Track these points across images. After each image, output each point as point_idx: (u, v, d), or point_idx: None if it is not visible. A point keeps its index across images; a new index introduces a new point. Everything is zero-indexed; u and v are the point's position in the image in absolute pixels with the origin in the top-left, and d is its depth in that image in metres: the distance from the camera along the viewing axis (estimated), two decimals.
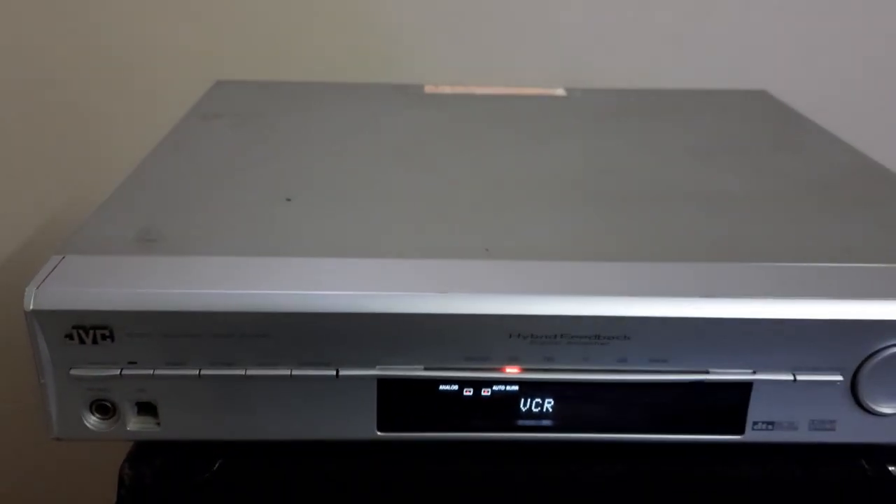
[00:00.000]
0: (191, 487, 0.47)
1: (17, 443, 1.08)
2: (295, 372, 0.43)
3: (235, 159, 0.60)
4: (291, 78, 0.88)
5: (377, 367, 0.44)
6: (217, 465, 0.47)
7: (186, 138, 0.64)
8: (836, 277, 0.44)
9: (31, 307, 0.41)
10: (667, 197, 0.54)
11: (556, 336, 0.43)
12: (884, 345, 0.43)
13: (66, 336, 0.42)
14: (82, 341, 0.42)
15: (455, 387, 0.45)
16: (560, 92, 0.79)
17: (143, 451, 0.48)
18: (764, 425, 0.45)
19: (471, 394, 0.45)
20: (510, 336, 0.43)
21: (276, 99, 0.75)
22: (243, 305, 0.42)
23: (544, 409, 0.45)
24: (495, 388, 0.45)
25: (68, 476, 1.08)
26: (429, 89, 0.79)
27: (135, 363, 0.43)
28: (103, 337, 0.42)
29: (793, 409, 0.44)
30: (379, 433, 0.45)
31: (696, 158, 0.62)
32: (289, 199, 0.53)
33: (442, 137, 0.66)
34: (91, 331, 0.42)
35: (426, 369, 0.44)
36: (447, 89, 0.79)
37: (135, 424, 0.45)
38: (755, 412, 0.45)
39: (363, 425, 0.45)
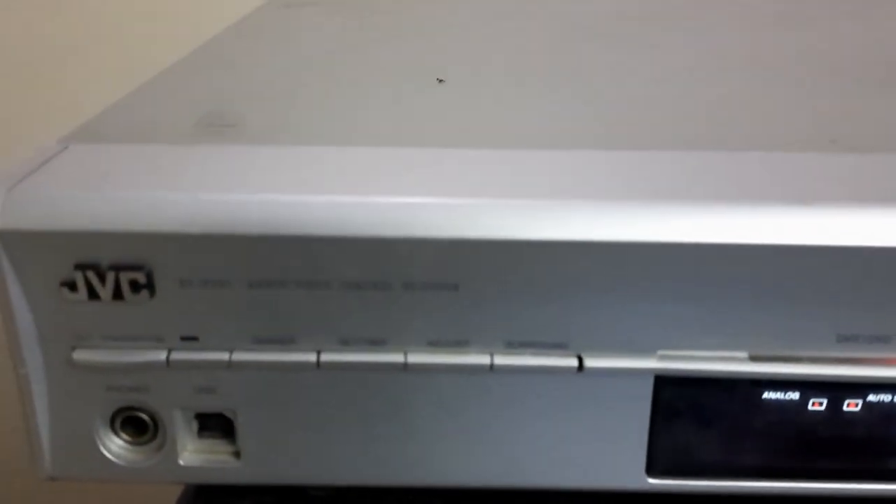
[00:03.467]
0: None
1: None
2: (500, 360, 0.22)
3: (346, 40, 0.39)
4: None
5: (658, 352, 0.22)
6: None
7: (267, 22, 0.44)
8: None
9: None
10: None
11: None
12: None
13: (64, 284, 0.22)
14: (94, 294, 0.22)
15: (794, 395, 0.23)
16: None
17: (205, 497, 0.28)
18: None
19: (821, 408, 0.24)
20: None
21: None
22: (413, 225, 0.21)
23: None
24: (872, 397, 0.23)
25: None
26: None
27: (195, 339, 0.22)
28: (135, 287, 0.22)
29: None
30: (650, 480, 0.24)
31: None
32: (441, 80, 0.32)
33: (629, 20, 0.44)
34: (111, 274, 0.21)
35: (753, 359, 0.23)
36: None
37: (194, 454, 0.24)
38: None
39: (621, 463, 0.24)
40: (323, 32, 0.41)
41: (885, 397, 0.23)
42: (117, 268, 0.21)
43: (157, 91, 0.31)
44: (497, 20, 0.43)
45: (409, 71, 0.33)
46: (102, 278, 0.21)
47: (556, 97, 0.30)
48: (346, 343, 0.22)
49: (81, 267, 0.21)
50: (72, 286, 0.21)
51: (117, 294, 0.22)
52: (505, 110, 0.28)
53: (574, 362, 0.22)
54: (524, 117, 0.28)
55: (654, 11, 0.45)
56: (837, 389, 0.23)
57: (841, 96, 0.30)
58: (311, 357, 0.22)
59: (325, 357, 0.22)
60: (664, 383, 0.23)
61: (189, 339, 0.22)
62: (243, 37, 0.40)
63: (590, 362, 0.22)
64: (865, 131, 0.26)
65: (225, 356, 0.22)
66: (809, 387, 0.23)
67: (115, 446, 0.24)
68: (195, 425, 0.24)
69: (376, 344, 0.22)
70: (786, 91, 0.30)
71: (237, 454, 0.24)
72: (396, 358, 0.22)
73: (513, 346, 0.22)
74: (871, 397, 0.23)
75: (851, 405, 0.24)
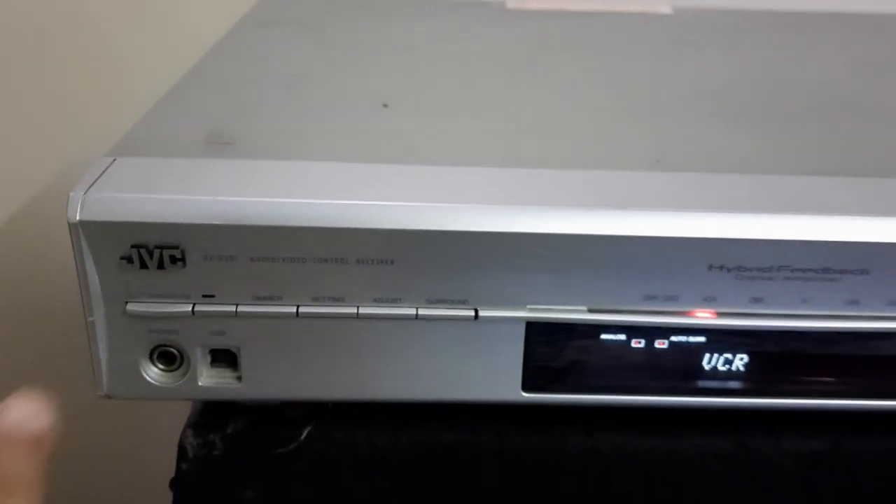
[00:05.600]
0: (272, 461, 0.37)
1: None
2: (422, 311, 0.33)
3: (310, 64, 0.49)
4: None
5: (528, 306, 0.33)
6: (306, 433, 0.37)
7: (246, 44, 0.53)
8: None
9: (78, 217, 0.31)
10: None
11: (771, 268, 0.32)
12: None
13: (123, 258, 0.32)
14: (144, 265, 0.32)
15: (622, 336, 0.34)
16: (665, 10, 0.68)
17: (210, 415, 0.38)
18: None
19: (641, 345, 0.35)
20: (710, 268, 0.32)
21: (336, 9, 0.64)
22: (364, 220, 0.31)
23: (734, 368, 0.35)
24: (674, 338, 0.35)
25: (111, 442, 0.85)
26: (512, 4, 0.68)
27: (212, 297, 0.33)
28: (172, 260, 0.32)
29: None
30: (524, 394, 0.35)
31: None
32: (385, 105, 0.42)
33: (538, 54, 0.55)
34: (156, 251, 0.31)
35: (591, 311, 0.33)
36: (534, 5, 0.68)
37: (208, 378, 0.34)
38: None
39: (504, 383, 0.35)
40: (293, 55, 0.51)
41: (683, 338, 0.34)
42: (160, 247, 0.31)
43: (169, 110, 0.40)
44: (445, 42, 0.54)
45: (361, 95, 0.43)
46: (150, 254, 0.31)
47: (474, 123, 0.40)
48: (316, 300, 0.33)
49: (136, 246, 0.31)
50: (129, 260, 0.31)
51: (160, 265, 0.32)
52: (435, 133, 0.39)
53: (472, 313, 0.33)
54: (447, 139, 0.38)
55: (548, 39, 0.56)
56: (649, 332, 0.34)
57: (676, 122, 0.41)
58: (293, 310, 0.33)
59: (303, 310, 0.33)
60: (532, 327, 0.33)
61: (208, 297, 0.32)
62: (229, 58, 0.49)
63: (483, 313, 0.33)
64: (688, 154, 0.37)
65: (233, 308, 0.33)
66: (631, 330, 0.34)
67: (152, 373, 0.34)
68: (209, 358, 0.34)
69: (337, 300, 0.33)
70: (631, 117, 0.41)
71: (240, 378, 0.34)
72: (351, 310, 0.33)
73: (431, 302, 0.33)
74: (673, 337, 0.34)
75: (661, 343, 0.35)
